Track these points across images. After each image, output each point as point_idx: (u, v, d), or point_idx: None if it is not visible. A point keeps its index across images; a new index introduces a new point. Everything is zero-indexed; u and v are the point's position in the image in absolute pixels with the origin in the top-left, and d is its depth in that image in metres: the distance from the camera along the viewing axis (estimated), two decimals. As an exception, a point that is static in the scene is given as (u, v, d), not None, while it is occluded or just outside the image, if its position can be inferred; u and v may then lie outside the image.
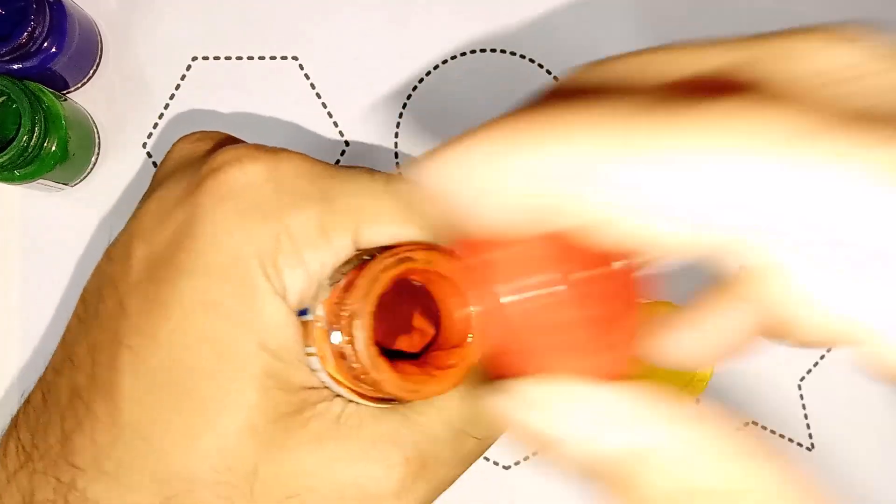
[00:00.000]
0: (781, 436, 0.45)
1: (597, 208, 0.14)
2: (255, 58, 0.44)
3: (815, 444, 0.45)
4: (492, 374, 0.18)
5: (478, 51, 0.45)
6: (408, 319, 0.23)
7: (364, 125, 0.44)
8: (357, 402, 0.22)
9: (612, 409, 0.15)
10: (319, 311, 0.21)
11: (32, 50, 0.38)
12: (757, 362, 0.45)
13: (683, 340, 0.21)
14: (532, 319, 0.17)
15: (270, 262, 0.20)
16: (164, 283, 0.21)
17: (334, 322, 0.20)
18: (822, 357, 0.45)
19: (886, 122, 0.13)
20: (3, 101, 0.38)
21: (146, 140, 0.44)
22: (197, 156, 0.23)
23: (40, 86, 0.39)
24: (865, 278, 0.12)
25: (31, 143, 0.37)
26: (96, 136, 0.43)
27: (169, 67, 0.44)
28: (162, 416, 0.20)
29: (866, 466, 0.45)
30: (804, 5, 0.46)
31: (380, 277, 0.20)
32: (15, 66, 0.39)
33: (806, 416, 0.45)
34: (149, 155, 0.44)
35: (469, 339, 0.21)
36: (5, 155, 0.36)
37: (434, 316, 0.22)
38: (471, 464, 0.23)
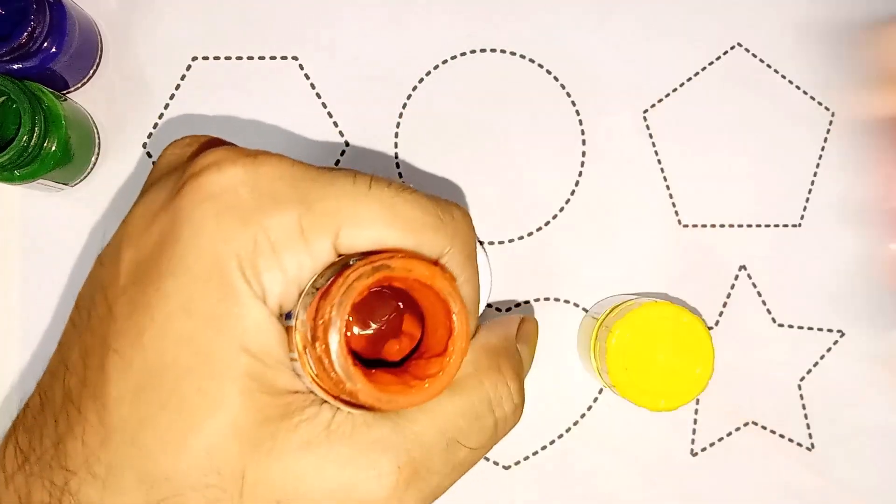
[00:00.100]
0: (781, 436, 0.45)
1: None
2: (255, 58, 0.44)
3: (815, 444, 0.45)
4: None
5: (478, 51, 0.45)
6: (400, 322, 0.23)
7: (364, 125, 0.44)
8: (341, 409, 0.21)
9: None
10: (302, 317, 0.20)
11: (32, 50, 0.38)
12: (757, 362, 0.45)
13: None
14: None
15: (249, 264, 0.20)
16: (148, 287, 0.21)
17: (313, 329, 0.20)
18: (822, 357, 0.46)
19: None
20: (3, 101, 0.38)
21: (146, 140, 0.44)
22: (183, 160, 0.24)
23: (40, 86, 0.39)
24: None
25: (31, 143, 0.37)
26: (96, 136, 0.43)
27: (169, 67, 0.44)
28: (148, 418, 0.20)
29: (866, 466, 0.45)
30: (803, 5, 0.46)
31: (354, 286, 0.20)
32: (15, 66, 0.39)
33: (806, 416, 0.45)
34: (149, 155, 0.44)
35: (450, 349, 0.21)
36: (5, 155, 0.36)
37: (423, 321, 0.22)
38: (464, 473, 0.23)
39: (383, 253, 0.21)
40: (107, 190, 0.43)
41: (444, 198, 0.23)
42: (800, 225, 0.46)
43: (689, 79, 0.46)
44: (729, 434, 0.45)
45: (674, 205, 0.45)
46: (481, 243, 0.44)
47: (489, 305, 0.44)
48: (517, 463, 0.44)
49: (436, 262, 0.22)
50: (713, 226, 0.46)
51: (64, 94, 0.41)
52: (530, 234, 0.45)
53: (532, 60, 0.45)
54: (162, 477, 0.20)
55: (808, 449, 0.45)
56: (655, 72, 0.46)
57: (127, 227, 0.22)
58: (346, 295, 0.20)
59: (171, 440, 0.20)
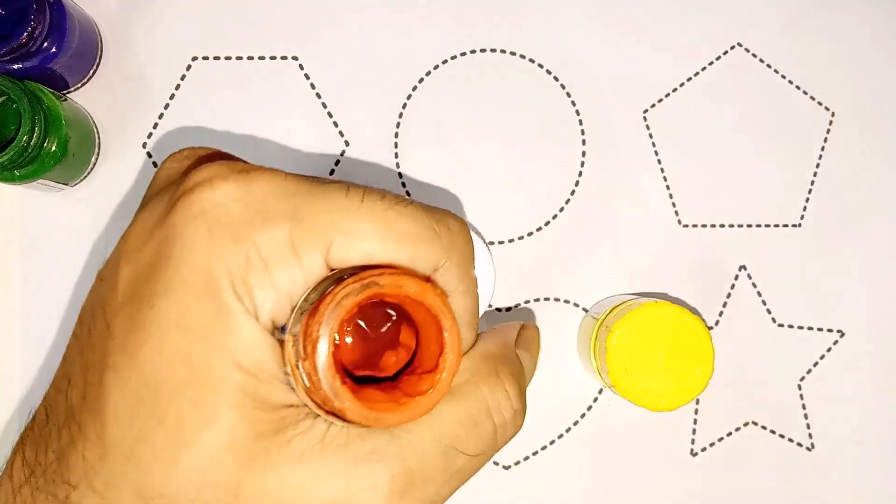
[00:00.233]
0: (781, 436, 0.45)
1: None
2: (255, 58, 0.44)
3: (815, 444, 0.45)
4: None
5: (478, 51, 0.45)
6: (398, 332, 0.23)
7: (364, 125, 0.44)
8: (334, 423, 0.21)
9: None
10: (294, 331, 0.20)
11: (32, 50, 0.38)
12: (757, 362, 0.45)
13: None
14: None
15: (240, 280, 0.20)
16: (143, 304, 0.21)
17: (303, 346, 0.20)
18: (822, 357, 0.46)
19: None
20: (3, 101, 0.38)
21: (146, 140, 0.44)
22: (179, 175, 0.24)
23: (40, 86, 0.39)
24: None
25: (31, 143, 0.37)
26: (96, 136, 0.43)
27: (169, 67, 0.44)
28: (144, 434, 0.20)
29: (866, 466, 0.45)
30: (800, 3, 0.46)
31: (342, 304, 0.20)
32: (15, 66, 0.39)
33: (806, 416, 0.45)
34: (149, 155, 0.44)
35: (441, 366, 0.21)
36: (5, 155, 0.36)
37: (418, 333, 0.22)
38: (465, 480, 0.23)
39: (374, 269, 0.21)
40: (107, 190, 0.43)
41: (440, 208, 0.23)
42: (800, 225, 0.46)
43: (689, 79, 0.46)
44: (729, 434, 0.45)
45: (674, 205, 0.45)
46: (486, 243, 0.44)
47: (489, 306, 0.44)
48: (517, 463, 0.44)
49: (427, 278, 0.22)
50: (713, 226, 0.46)
51: (64, 94, 0.41)
52: (530, 234, 0.45)
53: (532, 60, 0.45)
54: (157, 492, 0.20)
55: (808, 449, 0.45)
56: (655, 72, 0.46)
57: (125, 243, 0.22)
58: (335, 312, 0.19)
59: (166, 456, 0.20)
